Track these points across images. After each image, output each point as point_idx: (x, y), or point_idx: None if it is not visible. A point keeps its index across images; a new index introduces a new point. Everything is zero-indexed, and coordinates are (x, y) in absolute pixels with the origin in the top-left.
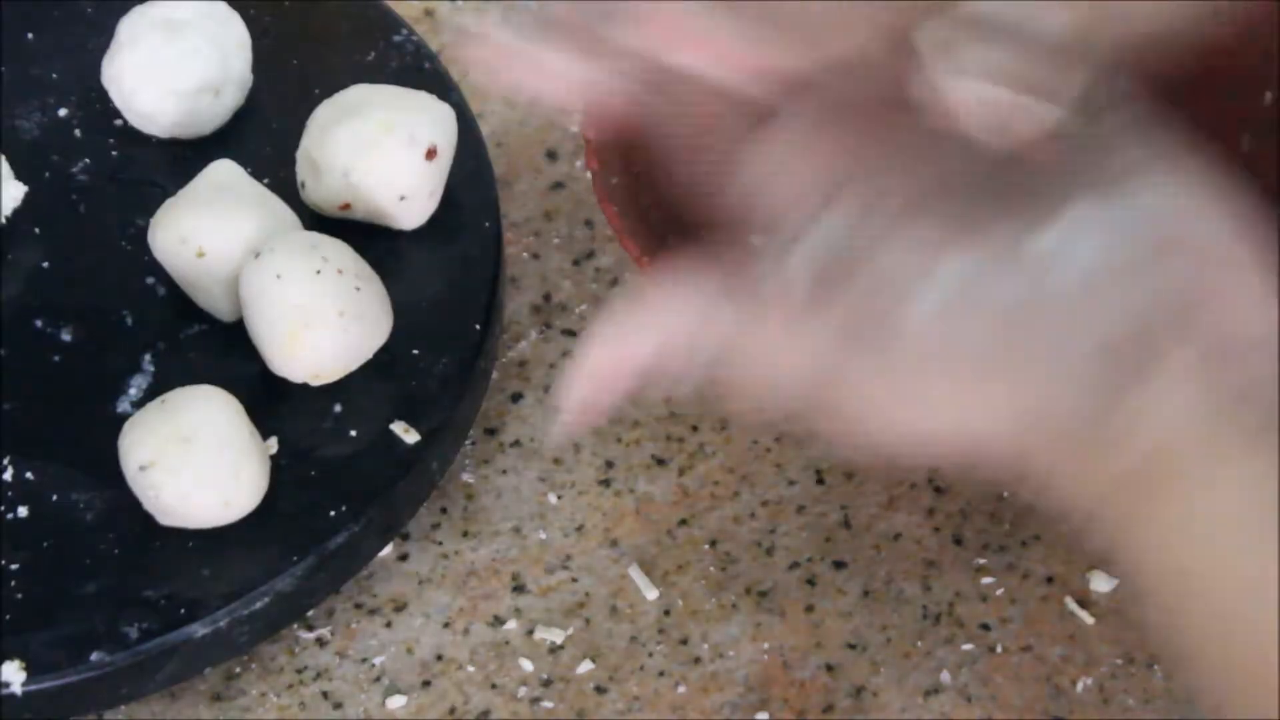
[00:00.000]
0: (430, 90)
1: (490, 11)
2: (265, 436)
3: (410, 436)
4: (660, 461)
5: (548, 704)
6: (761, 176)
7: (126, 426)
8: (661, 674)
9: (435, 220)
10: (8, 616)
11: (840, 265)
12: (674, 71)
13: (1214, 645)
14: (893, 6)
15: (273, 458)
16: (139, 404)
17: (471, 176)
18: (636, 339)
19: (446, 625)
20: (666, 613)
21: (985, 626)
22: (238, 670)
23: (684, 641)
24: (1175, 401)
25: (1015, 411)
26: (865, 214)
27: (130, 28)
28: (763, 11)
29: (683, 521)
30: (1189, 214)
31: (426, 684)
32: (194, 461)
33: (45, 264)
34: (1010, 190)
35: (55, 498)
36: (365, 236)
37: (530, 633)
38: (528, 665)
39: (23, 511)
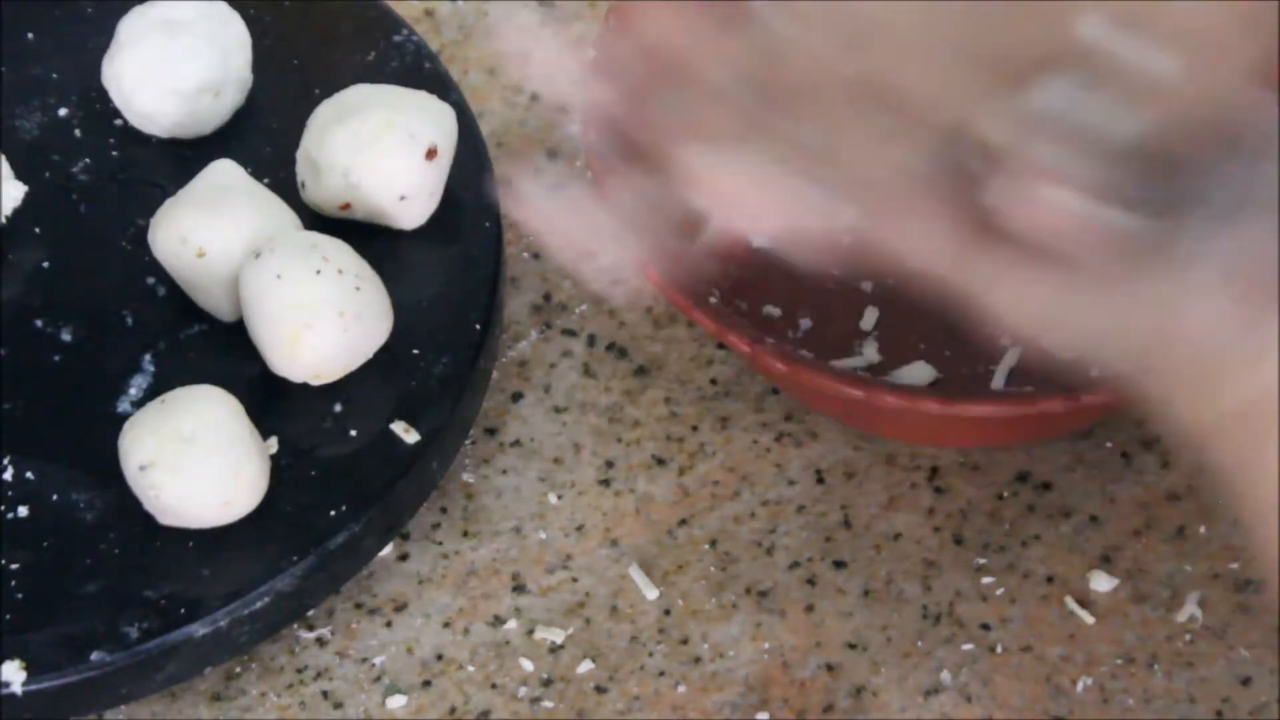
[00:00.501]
0: (430, 90)
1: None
2: (265, 436)
3: (410, 436)
4: (660, 461)
5: (548, 704)
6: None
7: (126, 426)
8: (661, 674)
9: (435, 220)
10: (8, 616)
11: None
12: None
13: None
14: (950, 102)
15: (273, 458)
16: (139, 404)
17: (471, 176)
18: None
19: (447, 625)
20: (667, 613)
21: (985, 626)
22: (238, 670)
23: (684, 641)
24: None
25: (1148, 315)
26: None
27: (130, 28)
28: (815, 155)
29: (683, 521)
30: None
31: (427, 684)
32: (194, 461)
33: (45, 264)
34: None
35: (55, 498)
36: (365, 236)
37: (530, 633)
38: (528, 665)
39: (23, 511)
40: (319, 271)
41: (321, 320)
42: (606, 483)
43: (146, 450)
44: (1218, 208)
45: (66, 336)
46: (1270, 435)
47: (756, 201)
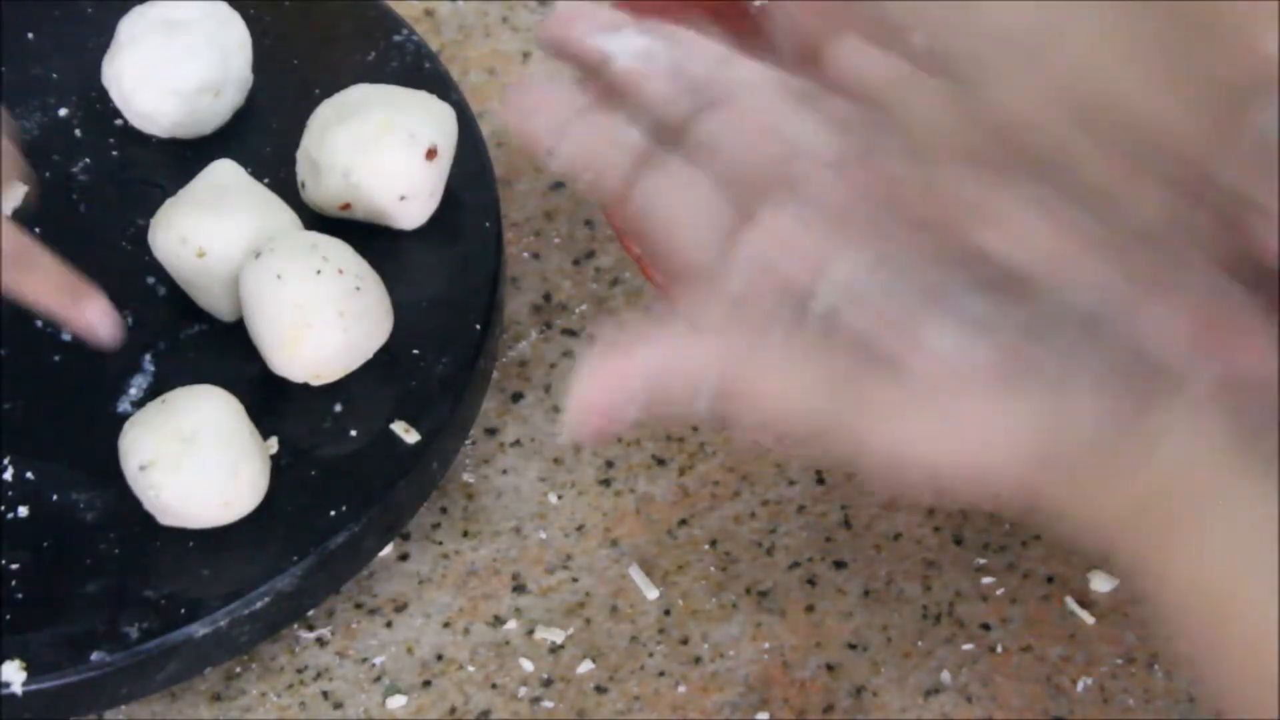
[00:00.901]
0: (430, 90)
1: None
2: (265, 436)
3: (410, 436)
4: (660, 461)
5: (548, 704)
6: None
7: (127, 426)
8: (662, 674)
9: (435, 220)
10: (8, 616)
11: (851, 298)
12: None
13: (1237, 664)
14: (1185, 149)
15: (273, 458)
16: (139, 404)
17: (471, 176)
18: (641, 353)
19: (447, 625)
20: (667, 613)
21: (985, 626)
22: (238, 670)
23: (684, 641)
24: (1194, 425)
25: (1031, 434)
26: (880, 260)
27: (130, 28)
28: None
29: (683, 521)
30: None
31: (427, 684)
32: (194, 461)
33: None
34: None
35: (55, 498)
36: (365, 236)
37: (530, 633)
38: (528, 665)
39: (23, 511)
40: (319, 271)
41: (321, 320)
42: (607, 483)
43: (146, 450)
44: None
45: (66, 336)
46: (1172, 527)
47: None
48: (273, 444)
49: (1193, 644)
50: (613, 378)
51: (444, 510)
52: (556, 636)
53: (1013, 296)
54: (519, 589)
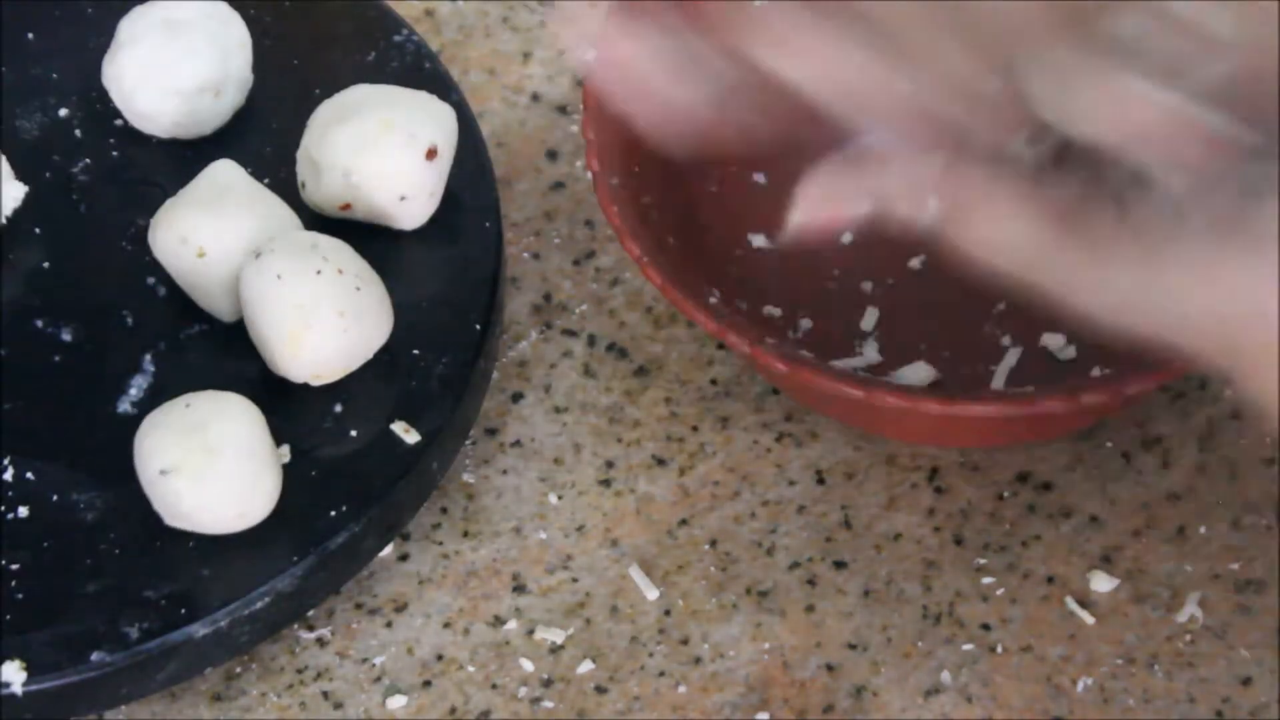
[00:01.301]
0: (430, 90)
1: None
2: None
3: (411, 436)
4: (660, 461)
5: (548, 704)
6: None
7: (146, 426)
8: (662, 674)
9: (435, 220)
10: (8, 616)
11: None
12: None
13: None
14: (1024, 29)
15: None
16: (140, 404)
17: (471, 176)
18: (874, 172)
19: (447, 625)
20: (667, 613)
21: (985, 626)
22: (238, 670)
23: (684, 641)
24: None
25: (1232, 297)
26: None
27: (130, 28)
28: (884, 33)
29: (683, 521)
30: None
31: (427, 684)
32: (217, 472)
33: (45, 264)
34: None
35: (55, 498)
36: (365, 236)
37: (530, 633)
38: (528, 665)
39: (23, 511)
40: (319, 271)
41: (321, 320)
42: (607, 483)
43: (169, 455)
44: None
45: (66, 336)
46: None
47: (811, 40)
48: (285, 452)
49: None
50: (842, 190)
51: (444, 510)
52: (556, 636)
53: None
54: (519, 589)
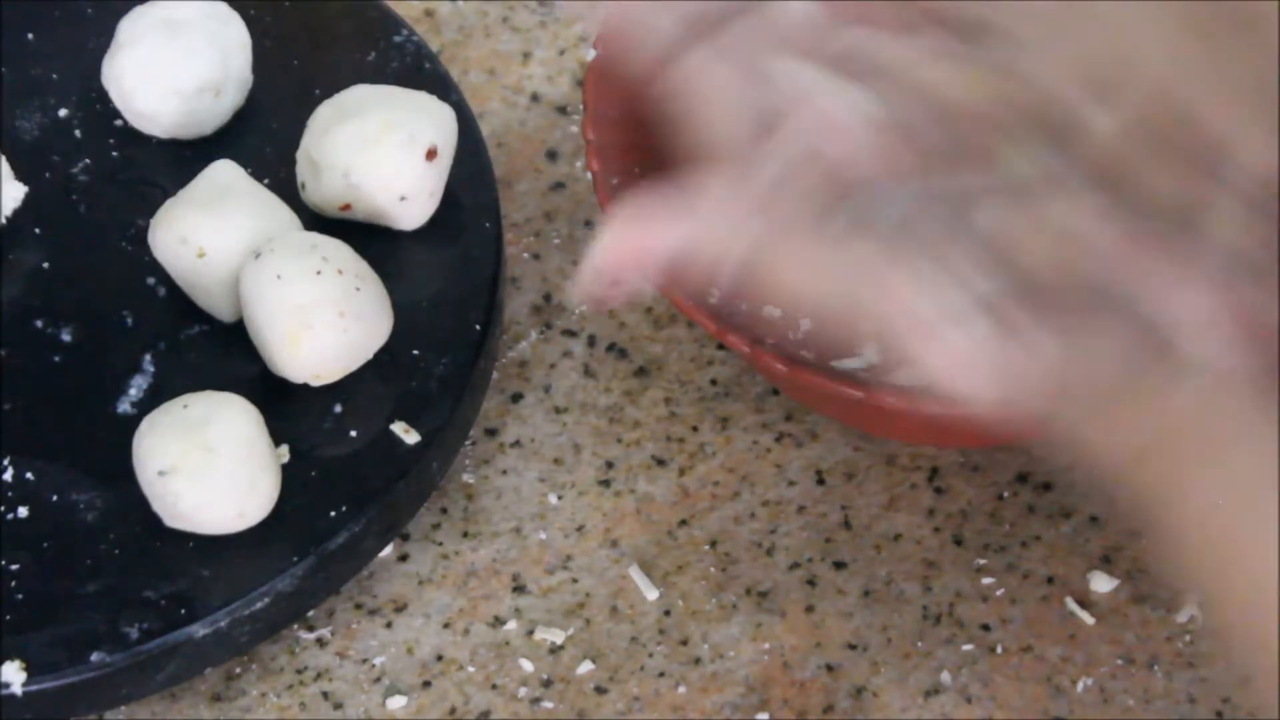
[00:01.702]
0: (430, 90)
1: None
2: None
3: (410, 437)
4: (660, 461)
5: (548, 704)
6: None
7: (144, 427)
8: (662, 674)
9: (435, 220)
10: (8, 616)
11: (879, 200)
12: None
13: (1240, 599)
14: (1216, 133)
15: None
16: (139, 404)
17: (471, 176)
18: (666, 224)
19: (446, 625)
20: (667, 613)
21: (985, 627)
22: (238, 670)
23: (684, 642)
24: (1213, 369)
25: (1051, 362)
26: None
27: (130, 28)
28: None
29: (683, 522)
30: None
31: (427, 684)
32: (215, 472)
33: (45, 264)
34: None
35: (55, 498)
36: (365, 236)
37: (530, 633)
38: (528, 665)
39: (23, 511)
40: (319, 272)
41: (321, 320)
42: (606, 483)
43: (168, 456)
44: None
45: (66, 336)
46: (1187, 461)
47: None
48: (284, 452)
49: (1197, 578)
50: (634, 246)
51: (444, 510)
52: (556, 637)
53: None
54: (519, 589)
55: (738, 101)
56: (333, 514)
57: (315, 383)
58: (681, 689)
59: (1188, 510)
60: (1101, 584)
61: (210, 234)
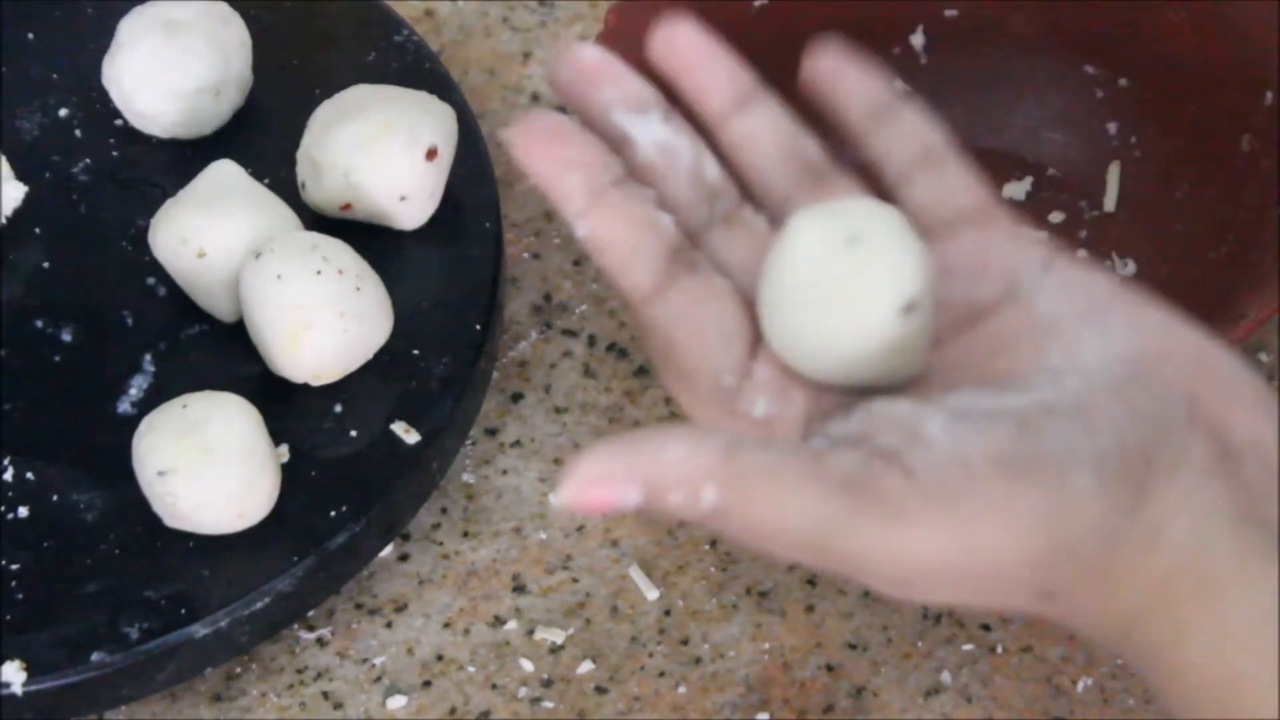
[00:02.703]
0: (430, 90)
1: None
2: None
3: (411, 437)
4: None
5: (548, 704)
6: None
7: (143, 428)
8: (662, 674)
9: (435, 220)
10: (8, 616)
11: (843, 420)
12: None
13: None
14: None
15: None
16: (140, 404)
17: (471, 176)
18: (646, 457)
19: (447, 625)
20: (667, 613)
21: (986, 627)
22: (238, 670)
23: (684, 642)
24: (1197, 505)
25: (1035, 526)
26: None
27: (130, 28)
28: None
29: (683, 522)
30: (1176, 329)
31: (427, 684)
32: (214, 472)
33: (45, 264)
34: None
35: (55, 498)
36: (365, 236)
37: (530, 633)
38: (528, 665)
39: (23, 511)
40: (319, 271)
41: (321, 320)
42: None
43: (167, 456)
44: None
45: (66, 336)
46: (1182, 616)
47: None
48: (284, 452)
49: None
50: (614, 473)
51: (444, 510)
52: (556, 637)
53: (1004, 390)
54: (519, 589)
55: (719, 336)
56: (333, 514)
57: (315, 383)
58: (682, 689)
59: (1189, 658)
60: None
61: (210, 234)
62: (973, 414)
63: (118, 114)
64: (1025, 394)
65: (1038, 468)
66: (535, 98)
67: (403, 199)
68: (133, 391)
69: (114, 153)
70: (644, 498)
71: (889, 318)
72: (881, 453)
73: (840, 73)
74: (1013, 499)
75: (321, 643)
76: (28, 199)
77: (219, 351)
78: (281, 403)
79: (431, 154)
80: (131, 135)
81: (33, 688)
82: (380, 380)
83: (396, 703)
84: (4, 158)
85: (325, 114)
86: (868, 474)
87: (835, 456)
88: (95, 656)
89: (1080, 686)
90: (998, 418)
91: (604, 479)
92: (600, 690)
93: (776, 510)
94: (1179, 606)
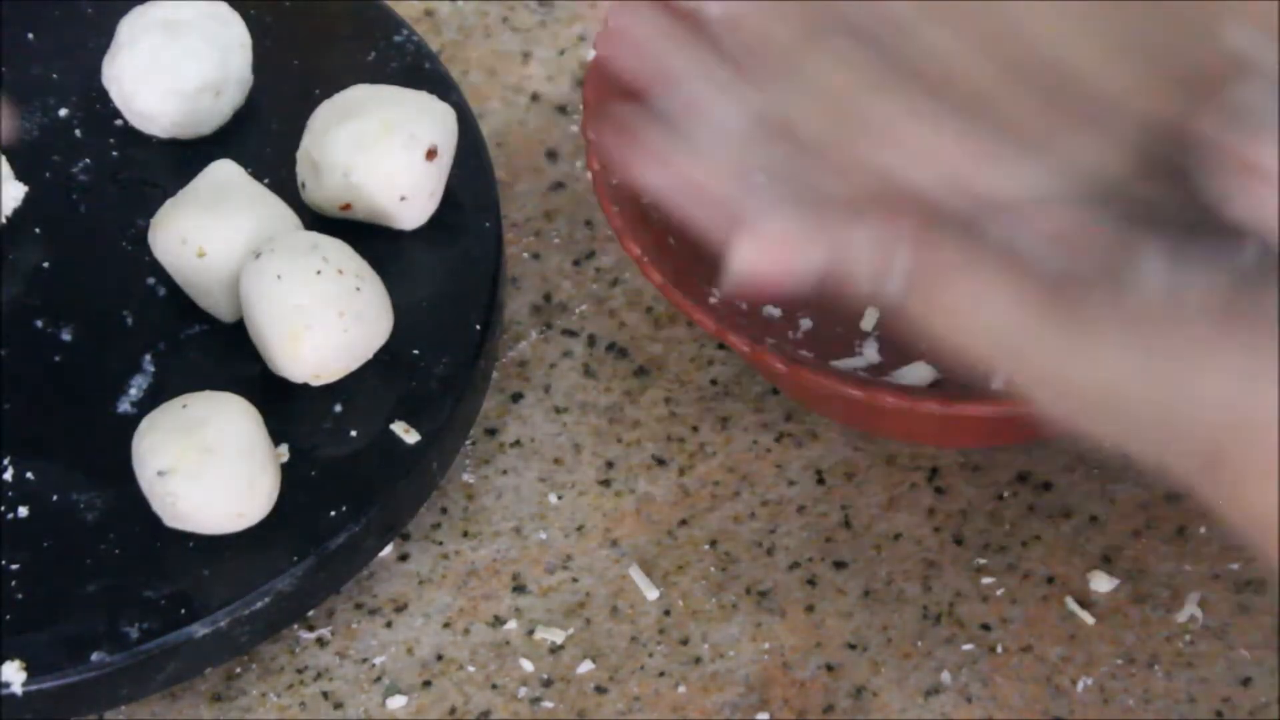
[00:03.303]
0: (430, 90)
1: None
2: None
3: (410, 437)
4: (660, 461)
5: (548, 704)
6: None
7: (144, 428)
8: (662, 674)
9: (435, 220)
10: (8, 616)
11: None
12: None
13: None
14: (1149, 99)
15: None
16: (139, 404)
17: (471, 176)
18: (836, 229)
19: (447, 625)
20: (667, 613)
21: (985, 626)
22: (238, 670)
23: (684, 642)
24: None
25: (1236, 388)
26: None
27: (130, 28)
28: (1008, 121)
29: (683, 521)
30: None
31: (427, 684)
32: (214, 472)
33: (45, 264)
34: None
35: (55, 498)
36: (365, 236)
37: (530, 633)
38: (528, 665)
39: (23, 511)
40: (319, 271)
41: (321, 320)
42: (607, 483)
43: (167, 456)
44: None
45: (66, 336)
46: (1258, 465)
47: (936, 145)
48: (284, 452)
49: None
50: (799, 233)
51: (444, 510)
52: (556, 637)
53: (1219, 245)
54: (519, 589)
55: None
56: (333, 514)
57: (315, 383)
58: (681, 689)
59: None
60: (1101, 584)
61: (210, 234)
62: (1191, 259)
63: (118, 114)
64: (1238, 252)
65: (1254, 325)
66: (535, 98)
67: (403, 199)
68: (133, 391)
69: (114, 153)
70: (828, 264)
71: None
72: (1098, 268)
73: None
74: (1225, 352)
75: (321, 643)
76: (28, 199)
77: (219, 351)
78: (281, 403)
79: (431, 154)
80: (131, 135)
81: (33, 688)
82: (380, 380)
83: (396, 703)
84: (4, 158)
85: (325, 114)
86: (1072, 291)
87: (1044, 260)
88: (95, 656)
89: (1080, 686)
90: (1216, 268)
91: (788, 238)
92: (600, 690)
93: (964, 305)
94: (1255, 457)
